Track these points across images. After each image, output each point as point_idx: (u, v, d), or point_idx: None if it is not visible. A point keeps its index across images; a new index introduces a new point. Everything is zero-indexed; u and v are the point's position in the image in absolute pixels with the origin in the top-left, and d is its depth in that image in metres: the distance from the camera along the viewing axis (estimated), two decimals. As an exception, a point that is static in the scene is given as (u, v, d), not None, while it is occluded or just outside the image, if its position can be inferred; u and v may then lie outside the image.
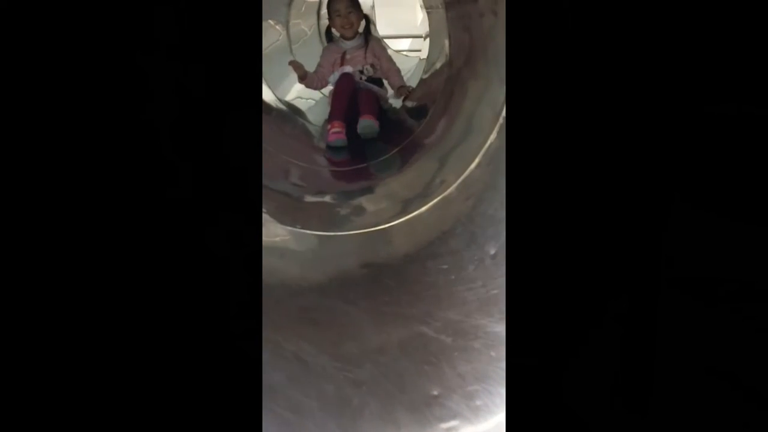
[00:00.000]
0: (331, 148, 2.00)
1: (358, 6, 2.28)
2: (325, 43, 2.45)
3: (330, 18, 2.28)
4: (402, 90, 2.21)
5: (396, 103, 2.30)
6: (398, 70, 2.30)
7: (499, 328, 0.88)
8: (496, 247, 1.02)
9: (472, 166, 1.28)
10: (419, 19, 3.48)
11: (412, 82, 2.44)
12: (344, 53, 2.25)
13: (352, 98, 2.13)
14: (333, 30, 2.31)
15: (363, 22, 2.31)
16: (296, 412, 0.82)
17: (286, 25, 2.72)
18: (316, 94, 2.46)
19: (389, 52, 2.87)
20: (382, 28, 3.31)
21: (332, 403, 0.83)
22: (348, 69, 2.21)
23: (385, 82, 2.32)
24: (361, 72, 2.24)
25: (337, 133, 2.02)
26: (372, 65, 2.27)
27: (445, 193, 1.31)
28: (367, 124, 2.02)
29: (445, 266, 1.08)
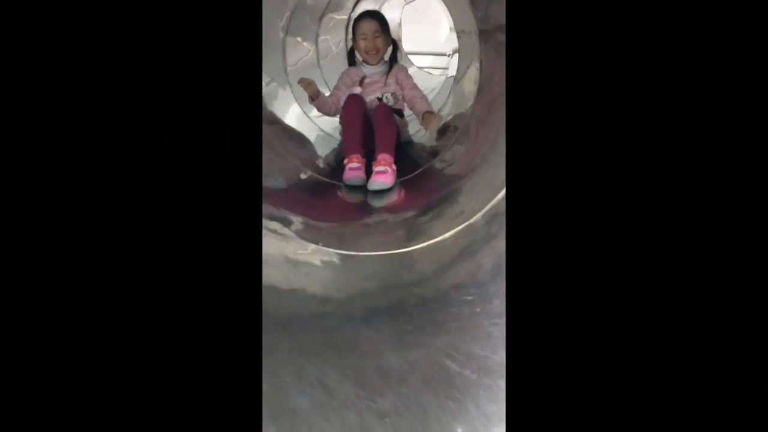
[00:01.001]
0: (348, 186, 1.73)
1: (387, 29, 2.05)
2: (347, 65, 2.20)
3: (354, 39, 2.06)
4: (430, 118, 1.84)
5: (416, 136, 2.06)
6: (424, 97, 2.01)
7: (528, 369, 0.85)
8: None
9: (499, 196, 1.24)
10: (444, 36, 3.42)
11: (437, 102, 2.26)
12: (363, 77, 2.03)
13: (366, 124, 1.85)
14: (356, 52, 2.09)
15: (389, 48, 2.08)
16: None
17: (315, 41, 2.60)
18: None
19: (412, 69, 2.67)
20: (406, 45, 3.21)
21: (355, 432, 0.81)
22: (356, 90, 1.97)
23: (406, 112, 2.07)
24: (380, 99, 1.98)
25: (355, 170, 1.72)
26: (393, 94, 2.01)
27: (471, 221, 1.28)
28: (379, 186, 1.66)
29: (470, 297, 1.05)
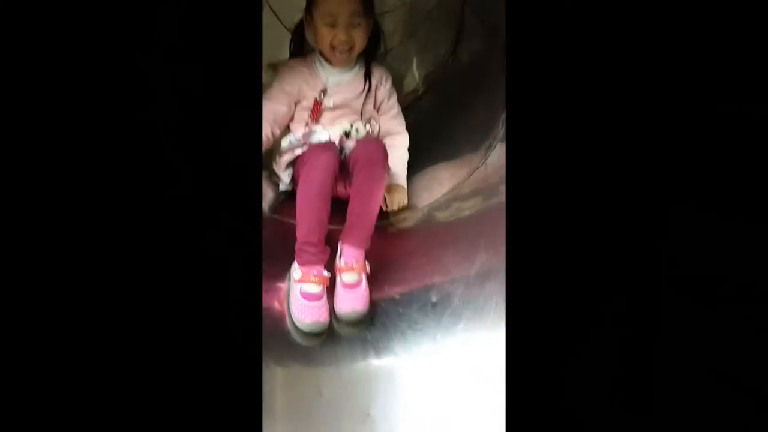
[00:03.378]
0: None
1: (370, 12, 1.20)
2: (288, 53, 1.32)
3: (311, 21, 1.20)
4: (396, 194, 1.27)
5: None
6: (405, 137, 1.32)
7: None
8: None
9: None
10: None
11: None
12: (323, 92, 1.21)
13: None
14: (308, 37, 1.23)
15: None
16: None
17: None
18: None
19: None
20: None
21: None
22: (323, 134, 1.20)
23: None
24: (347, 135, 1.23)
25: (312, 299, 1.06)
26: (369, 121, 1.27)
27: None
28: (349, 315, 1.08)
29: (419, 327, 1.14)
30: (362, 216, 1.12)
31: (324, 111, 1.21)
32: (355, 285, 1.08)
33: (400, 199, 1.27)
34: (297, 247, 1.09)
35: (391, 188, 1.26)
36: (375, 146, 1.16)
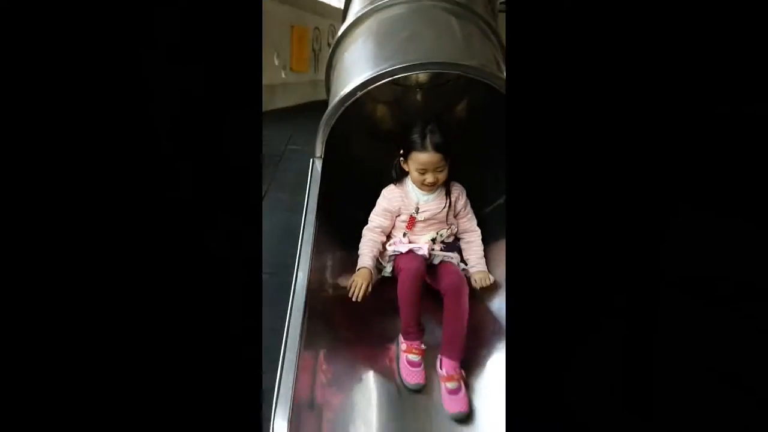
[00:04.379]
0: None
1: (449, 150, 1.58)
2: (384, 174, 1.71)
3: (406, 164, 1.61)
4: (483, 279, 1.58)
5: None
6: (479, 232, 1.69)
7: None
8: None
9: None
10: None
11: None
12: (417, 209, 1.63)
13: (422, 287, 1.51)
14: (403, 166, 1.63)
15: None
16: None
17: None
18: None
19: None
20: None
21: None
22: (419, 248, 1.59)
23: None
24: (433, 241, 1.63)
25: (414, 366, 1.42)
26: (450, 227, 1.66)
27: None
28: (456, 416, 1.34)
29: None
30: (455, 336, 1.44)
31: (417, 222, 1.64)
32: (456, 390, 1.37)
33: (484, 278, 1.59)
34: (402, 329, 1.48)
35: (474, 274, 1.61)
36: (456, 278, 1.54)
